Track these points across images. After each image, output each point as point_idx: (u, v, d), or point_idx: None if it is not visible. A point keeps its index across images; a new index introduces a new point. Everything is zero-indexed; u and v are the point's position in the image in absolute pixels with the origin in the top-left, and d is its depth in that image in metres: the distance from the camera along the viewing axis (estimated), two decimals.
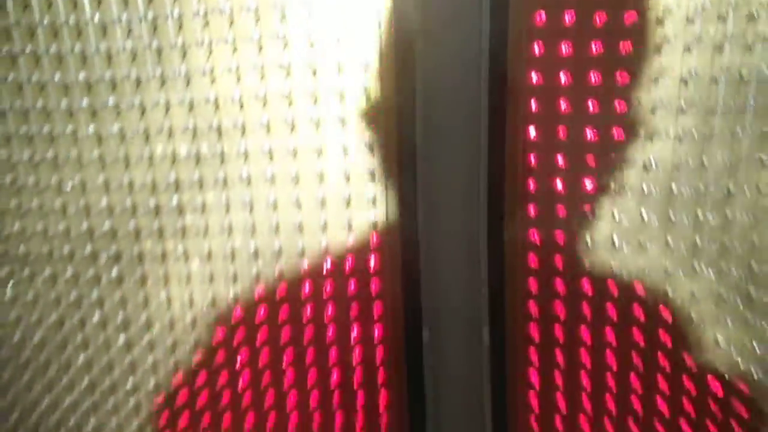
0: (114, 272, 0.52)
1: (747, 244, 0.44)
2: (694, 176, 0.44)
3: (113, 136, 0.48)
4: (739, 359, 0.47)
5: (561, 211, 0.46)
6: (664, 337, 0.47)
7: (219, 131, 0.47)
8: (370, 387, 0.51)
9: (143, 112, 0.47)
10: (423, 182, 0.46)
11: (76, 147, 0.50)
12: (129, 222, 0.51)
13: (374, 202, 0.47)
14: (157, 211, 0.50)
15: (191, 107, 0.47)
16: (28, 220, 0.52)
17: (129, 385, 0.54)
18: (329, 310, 0.50)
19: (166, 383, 0.54)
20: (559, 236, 0.47)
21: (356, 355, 0.51)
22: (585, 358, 0.48)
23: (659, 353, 0.48)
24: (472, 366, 0.49)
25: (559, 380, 0.49)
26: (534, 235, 0.47)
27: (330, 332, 0.51)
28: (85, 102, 0.48)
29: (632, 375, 0.48)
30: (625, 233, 0.46)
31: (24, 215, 0.52)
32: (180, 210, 0.50)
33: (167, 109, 0.47)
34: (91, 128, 0.49)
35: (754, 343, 0.46)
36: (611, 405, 0.49)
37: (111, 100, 0.48)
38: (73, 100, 0.48)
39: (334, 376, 0.52)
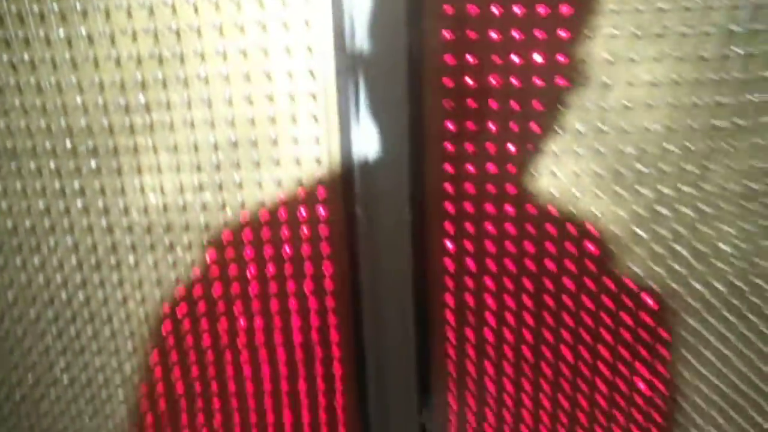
0: (92, 164, 0.54)
1: (618, 130, 0.50)
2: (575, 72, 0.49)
3: (82, 38, 0.50)
4: (611, 226, 0.54)
5: (471, 104, 0.51)
6: (552, 210, 0.53)
7: (177, 33, 0.50)
8: (317, 258, 0.56)
9: (108, 14, 0.48)
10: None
11: (49, 49, 0.51)
12: (102, 119, 0.53)
13: (315, 97, 0.51)
14: (126, 108, 0.52)
15: (151, 10, 0.48)
16: (12, 118, 0.53)
17: (112, 262, 0.58)
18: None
19: (143, 262, 0.58)
20: (470, 126, 0.52)
21: (305, 232, 0.56)
22: (490, 228, 0.54)
23: (548, 225, 0.53)
24: (397, 238, 0.54)
25: (469, 246, 0.55)
26: (450, 126, 0.52)
27: (282, 213, 0.55)
28: (55, 6, 0.49)
29: (527, 243, 0.54)
30: (517, 121, 0.51)
31: (8, 113, 0.53)
32: (147, 107, 0.52)
33: (129, 13, 0.49)
34: (62, 31, 0.50)
35: (621, 212, 0.53)
36: (511, 266, 0.55)
37: (78, 5, 0.49)
38: (44, 4, 0.49)
39: (288, 250, 0.56)
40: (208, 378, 0.59)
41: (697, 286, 0.53)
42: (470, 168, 0.52)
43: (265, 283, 0.57)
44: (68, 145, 0.54)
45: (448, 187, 0.52)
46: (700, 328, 0.56)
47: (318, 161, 0.52)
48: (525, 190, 0.52)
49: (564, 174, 0.51)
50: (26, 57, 0.51)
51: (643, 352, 0.56)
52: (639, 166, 0.50)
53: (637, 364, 0.58)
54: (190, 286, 0.57)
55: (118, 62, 0.50)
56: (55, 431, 0.63)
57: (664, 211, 0.51)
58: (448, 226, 0.54)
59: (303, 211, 0.54)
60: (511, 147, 0.51)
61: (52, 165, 0.54)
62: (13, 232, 0.57)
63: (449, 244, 0.54)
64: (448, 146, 0.51)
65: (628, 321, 0.55)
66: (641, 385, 0.57)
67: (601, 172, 0.50)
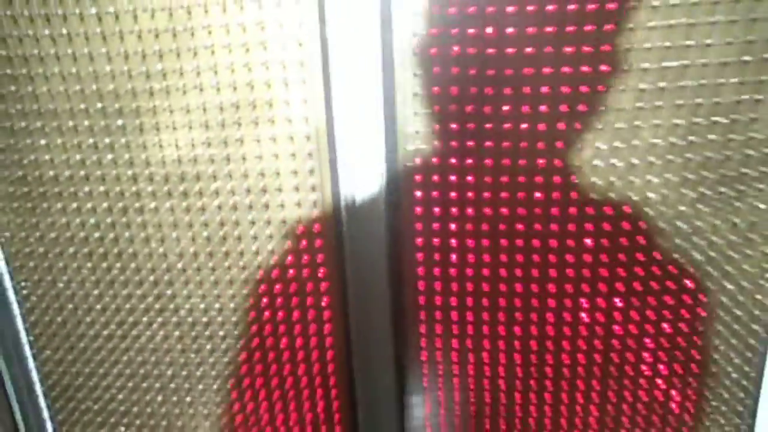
0: (119, 123, 0.62)
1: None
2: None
3: (110, 15, 0.56)
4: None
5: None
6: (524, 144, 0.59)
7: (188, 10, 0.56)
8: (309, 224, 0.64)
9: None
10: None
11: (83, 24, 0.58)
12: (127, 84, 0.60)
13: (303, 64, 0.58)
14: (146, 75, 0.59)
15: None
16: (53, 83, 0.61)
17: (137, 206, 0.65)
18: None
19: (162, 207, 0.66)
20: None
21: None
22: (453, 179, 0.61)
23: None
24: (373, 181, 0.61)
25: (436, 194, 0.61)
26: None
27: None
28: None
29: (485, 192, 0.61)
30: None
31: (49, 79, 0.60)
32: (163, 74, 0.59)
33: None
34: (93, 9, 0.57)
35: (599, 162, 0.58)
36: (470, 211, 0.62)
37: None
38: None
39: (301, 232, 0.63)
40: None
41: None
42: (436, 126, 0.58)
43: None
44: (99, 106, 0.61)
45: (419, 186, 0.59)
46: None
47: (306, 119, 0.59)
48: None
49: None
50: (64, 31, 0.58)
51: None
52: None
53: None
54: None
55: (139, 36, 0.57)
56: (92, 349, 0.72)
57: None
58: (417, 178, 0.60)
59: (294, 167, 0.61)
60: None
61: (86, 123, 0.62)
62: (54, 181, 0.65)
63: (418, 193, 0.61)
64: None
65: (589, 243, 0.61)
66: (619, 303, 0.63)
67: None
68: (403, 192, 0.60)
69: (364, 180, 0.60)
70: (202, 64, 0.58)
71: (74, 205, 0.65)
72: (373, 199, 0.61)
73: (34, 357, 0.73)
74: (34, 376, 0.74)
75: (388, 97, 0.56)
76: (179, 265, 0.66)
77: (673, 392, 0.65)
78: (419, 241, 0.62)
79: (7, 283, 0.70)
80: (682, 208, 0.57)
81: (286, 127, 0.59)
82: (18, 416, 0.76)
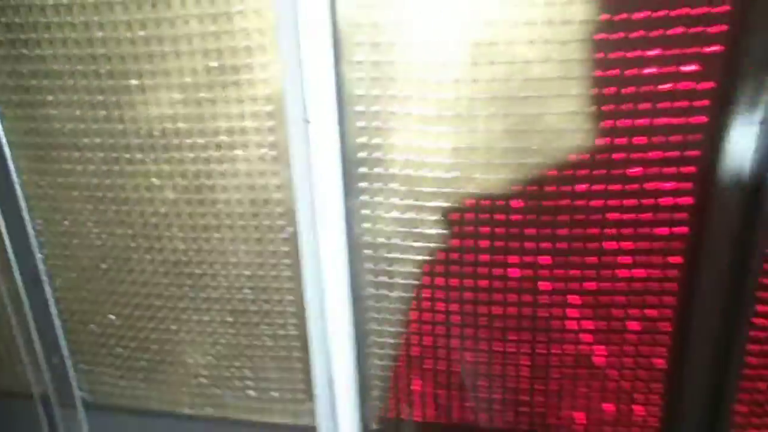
0: (111, 82, 0.70)
1: None
2: None
3: None
4: None
5: None
6: None
7: None
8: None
9: None
10: None
11: None
12: (115, 48, 0.68)
13: (262, 32, 0.63)
14: (132, 41, 0.66)
15: None
16: (56, 47, 0.69)
17: (128, 157, 0.74)
18: None
19: (147, 158, 0.74)
20: None
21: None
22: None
23: None
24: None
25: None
26: None
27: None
28: None
29: None
30: None
31: (53, 44, 0.68)
32: (146, 41, 0.66)
33: None
34: None
35: None
36: None
37: None
38: None
39: None
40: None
41: None
42: None
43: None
44: (93, 68, 0.69)
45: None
46: None
47: (265, 82, 0.65)
48: None
49: None
50: (64, 0, 0.66)
51: None
52: None
53: None
54: None
55: (124, 5, 0.64)
56: (95, 279, 0.82)
57: None
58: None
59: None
60: None
61: (83, 83, 0.70)
62: (60, 133, 0.74)
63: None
64: None
65: None
66: None
67: None
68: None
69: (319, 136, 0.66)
70: (178, 32, 0.64)
71: (77, 154, 0.75)
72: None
73: (50, 283, 0.85)
74: (50, 300, 0.86)
75: (338, 58, 0.61)
76: (162, 210, 0.75)
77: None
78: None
79: (27, 218, 0.81)
80: None
81: (248, 89, 0.65)
82: (35, 337, 0.89)
